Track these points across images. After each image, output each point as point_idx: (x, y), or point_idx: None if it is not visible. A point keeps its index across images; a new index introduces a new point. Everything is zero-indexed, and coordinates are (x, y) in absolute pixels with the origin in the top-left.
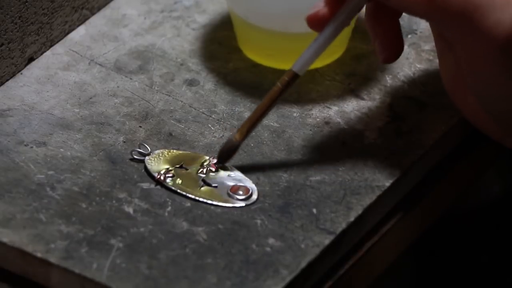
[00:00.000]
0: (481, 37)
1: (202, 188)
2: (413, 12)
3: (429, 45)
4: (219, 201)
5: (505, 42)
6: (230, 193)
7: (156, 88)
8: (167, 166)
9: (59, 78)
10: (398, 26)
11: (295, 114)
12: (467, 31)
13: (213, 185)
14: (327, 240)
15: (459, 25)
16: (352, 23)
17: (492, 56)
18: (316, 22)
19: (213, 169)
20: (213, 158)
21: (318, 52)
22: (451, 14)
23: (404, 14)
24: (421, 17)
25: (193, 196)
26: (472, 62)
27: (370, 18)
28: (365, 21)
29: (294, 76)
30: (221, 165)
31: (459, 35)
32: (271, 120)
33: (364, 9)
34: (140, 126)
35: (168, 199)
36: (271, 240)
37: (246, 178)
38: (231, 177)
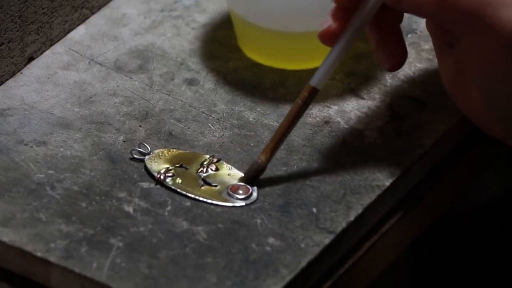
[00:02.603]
0: (492, 34)
1: (202, 188)
2: (423, 14)
3: (429, 45)
4: (219, 200)
5: None
6: (230, 192)
7: (156, 88)
8: (167, 166)
9: (59, 77)
10: (400, 33)
11: None
12: (478, 28)
13: (213, 184)
14: (327, 240)
15: (469, 23)
16: None
17: (503, 53)
18: (328, 37)
19: (213, 169)
20: (213, 158)
21: (334, 65)
22: (462, 12)
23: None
24: (432, 17)
25: (193, 196)
26: (481, 59)
27: (373, 27)
28: (367, 29)
29: (313, 91)
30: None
31: (469, 32)
32: (271, 119)
33: None
34: (140, 126)
35: (168, 199)
36: (271, 240)
37: None
38: (231, 176)
